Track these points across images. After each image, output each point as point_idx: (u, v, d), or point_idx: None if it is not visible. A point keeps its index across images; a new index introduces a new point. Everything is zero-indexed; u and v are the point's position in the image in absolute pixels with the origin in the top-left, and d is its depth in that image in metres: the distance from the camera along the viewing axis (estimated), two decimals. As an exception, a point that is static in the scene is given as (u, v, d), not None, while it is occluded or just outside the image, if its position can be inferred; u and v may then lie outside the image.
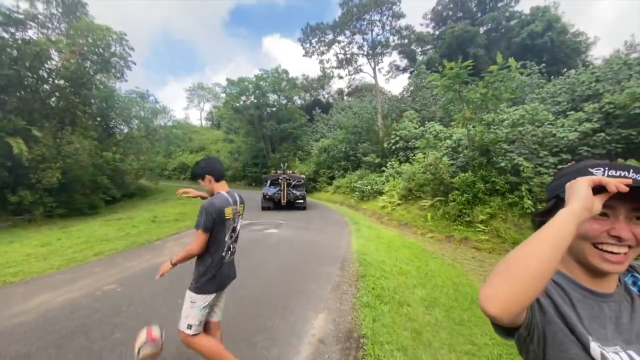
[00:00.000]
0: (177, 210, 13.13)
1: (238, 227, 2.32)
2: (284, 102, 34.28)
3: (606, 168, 0.69)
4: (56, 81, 15.00)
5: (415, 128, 19.36)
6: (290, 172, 16.44)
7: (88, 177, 15.71)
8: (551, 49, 27.92)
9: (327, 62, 30.67)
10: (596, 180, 0.63)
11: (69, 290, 4.20)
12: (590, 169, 0.70)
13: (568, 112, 12.43)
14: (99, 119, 19.45)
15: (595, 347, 0.64)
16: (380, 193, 16.34)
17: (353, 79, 38.17)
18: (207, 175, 2.22)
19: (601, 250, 0.68)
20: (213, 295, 2.16)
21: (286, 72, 33.25)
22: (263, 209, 15.03)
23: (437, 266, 6.25)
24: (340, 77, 31.33)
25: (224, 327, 3.20)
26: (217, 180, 2.25)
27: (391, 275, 5.19)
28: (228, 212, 2.15)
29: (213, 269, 2.12)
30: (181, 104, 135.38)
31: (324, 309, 3.78)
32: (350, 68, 29.95)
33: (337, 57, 29.51)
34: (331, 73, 31.45)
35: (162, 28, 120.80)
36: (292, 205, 15.16)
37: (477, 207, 10.01)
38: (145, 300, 3.86)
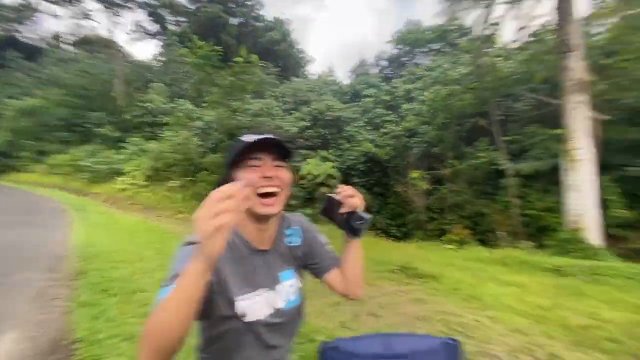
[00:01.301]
0: None
1: None
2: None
3: (250, 134, 0.88)
4: None
5: (164, 103, 17.87)
6: None
7: None
8: (285, 57, 34.36)
9: (33, -13, 21.57)
10: (227, 192, 0.59)
11: None
12: (240, 138, 0.88)
13: (292, 111, 15.98)
14: None
15: (240, 302, 0.81)
16: (120, 173, 13.92)
17: (79, 25, 29.14)
18: None
19: (260, 197, 0.85)
20: None
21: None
22: None
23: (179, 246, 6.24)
24: (56, 16, 23.16)
25: None
26: None
27: (126, 264, 4.64)
28: None
29: None
30: None
31: (16, 327, 2.80)
32: (74, 8, 22.78)
33: (52, -14, 21.52)
34: (38, 5, 22.52)
35: None
36: None
37: (224, 187, 10.89)
38: None
